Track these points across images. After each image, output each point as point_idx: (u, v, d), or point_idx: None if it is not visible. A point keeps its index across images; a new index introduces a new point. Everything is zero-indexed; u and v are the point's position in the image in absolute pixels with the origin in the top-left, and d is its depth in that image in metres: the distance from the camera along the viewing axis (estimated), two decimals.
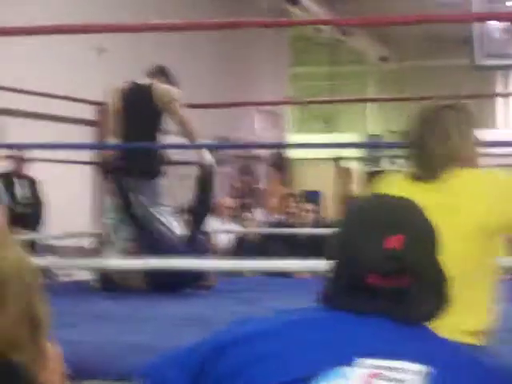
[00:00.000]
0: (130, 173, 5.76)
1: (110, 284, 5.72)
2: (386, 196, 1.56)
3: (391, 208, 1.49)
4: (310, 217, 7.94)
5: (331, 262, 1.48)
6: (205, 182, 5.92)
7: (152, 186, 5.86)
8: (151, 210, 5.81)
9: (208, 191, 5.97)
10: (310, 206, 8.01)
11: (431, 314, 1.45)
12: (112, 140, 5.85)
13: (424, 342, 1.40)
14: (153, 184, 5.86)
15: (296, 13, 13.25)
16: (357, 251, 1.43)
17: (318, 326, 1.41)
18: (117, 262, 5.12)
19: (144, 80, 5.93)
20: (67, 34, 4.92)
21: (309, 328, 1.41)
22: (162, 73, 6.04)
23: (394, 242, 1.41)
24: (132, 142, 5.76)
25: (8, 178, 7.36)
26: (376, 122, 18.19)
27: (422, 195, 1.94)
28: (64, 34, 4.83)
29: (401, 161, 15.29)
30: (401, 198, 1.53)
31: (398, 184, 2.54)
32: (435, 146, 2.53)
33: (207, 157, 5.90)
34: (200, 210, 5.94)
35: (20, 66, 8.11)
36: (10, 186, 7.34)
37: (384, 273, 1.40)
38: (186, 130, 5.82)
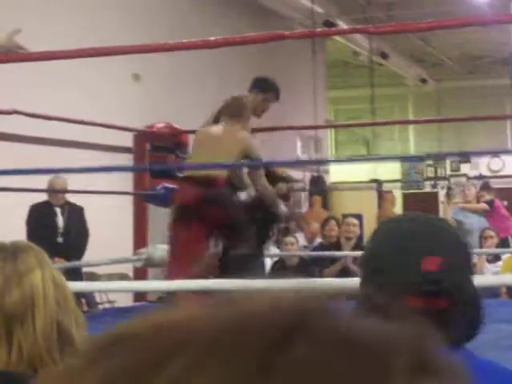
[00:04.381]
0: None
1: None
2: (419, 217, 1.54)
3: (426, 230, 1.48)
4: (356, 232, 7.87)
5: (367, 286, 1.48)
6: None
7: None
8: None
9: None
10: (355, 221, 7.94)
11: (467, 336, 1.44)
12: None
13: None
14: None
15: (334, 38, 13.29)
16: (395, 274, 1.43)
17: None
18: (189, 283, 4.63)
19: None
20: (104, 56, 4.92)
21: None
22: (253, 86, 5.95)
23: (431, 264, 1.41)
24: None
25: (49, 208, 7.27)
26: (416, 144, 18.10)
27: None
28: (101, 56, 4.83)
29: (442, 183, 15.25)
30: (434, 219, 1.53)
31: None
32: None
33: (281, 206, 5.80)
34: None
35: (56, 93, 8.19)
36: (50, 216, 7.25)
37: (423, 295, 1.40)
38: None
